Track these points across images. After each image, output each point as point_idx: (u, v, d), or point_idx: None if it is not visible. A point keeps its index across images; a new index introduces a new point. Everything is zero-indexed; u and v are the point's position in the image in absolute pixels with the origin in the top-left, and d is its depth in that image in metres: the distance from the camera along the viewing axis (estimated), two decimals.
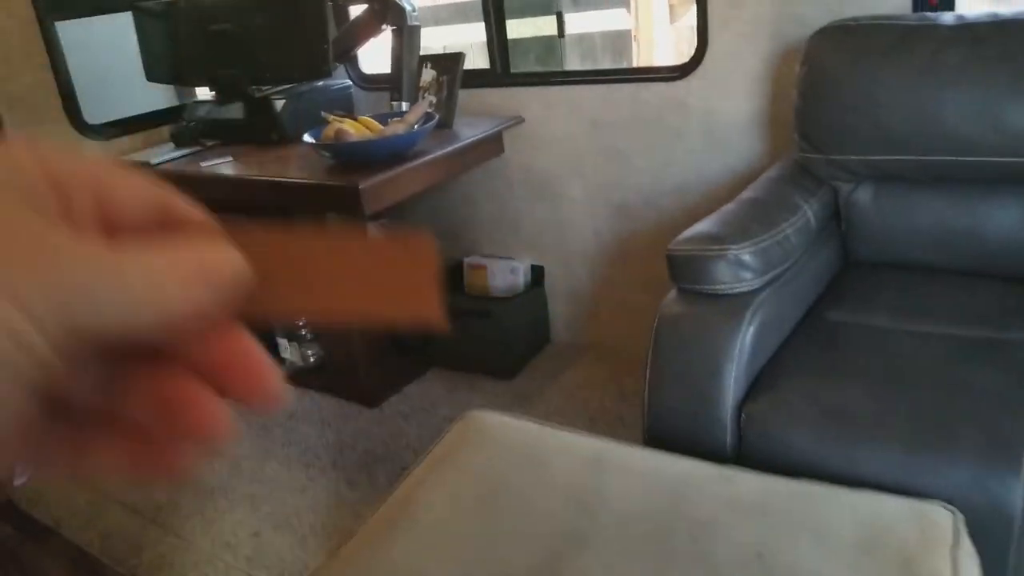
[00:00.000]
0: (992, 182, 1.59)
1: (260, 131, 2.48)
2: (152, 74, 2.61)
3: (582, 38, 3.85)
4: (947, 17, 1.60)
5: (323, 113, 2.14)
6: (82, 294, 0.22)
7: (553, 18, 3.54)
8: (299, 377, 2.76)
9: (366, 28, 2.34)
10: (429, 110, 2.28)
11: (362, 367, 2.60)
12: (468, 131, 2.30)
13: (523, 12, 3.51)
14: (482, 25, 2.49)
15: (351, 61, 2.80)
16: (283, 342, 2.79)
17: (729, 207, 1.61)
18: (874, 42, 1.61)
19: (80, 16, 2.55)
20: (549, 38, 3.52)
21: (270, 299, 0.27)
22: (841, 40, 1.65)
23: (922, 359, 1.36)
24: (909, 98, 1.56)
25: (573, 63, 3.85)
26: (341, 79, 2.73)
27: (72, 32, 2.51)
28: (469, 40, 2.76)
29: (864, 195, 1.72)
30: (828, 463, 1.23)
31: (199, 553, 1.97)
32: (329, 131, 2.03)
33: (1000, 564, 1.15)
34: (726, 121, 2.13)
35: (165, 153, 2.50)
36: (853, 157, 1.66)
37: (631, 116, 2.28)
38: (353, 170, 2.02)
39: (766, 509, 1.14)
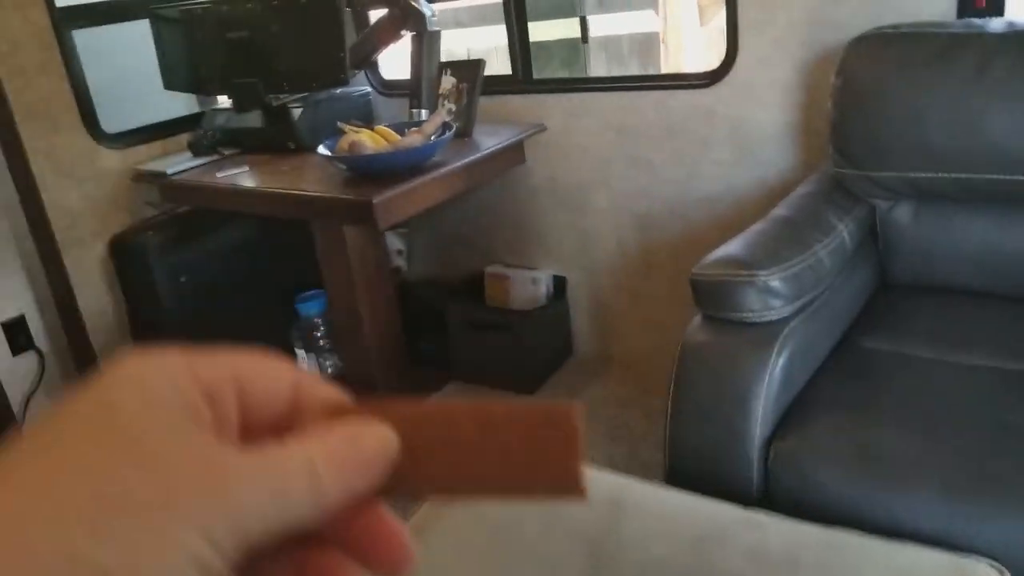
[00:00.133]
0: None
1: (278, 140, 2.44)
2: (170, 82, 2.58)
3: (608, 41, 3.76)
4: (995, 24, 1.50)
5: (338, 123, 2.09)
6: (253, 509, 0.23)
7: (577, 20, 3.47)
8: None
9: (385, 33, 2.28)
10: (448, 119, 2.22)
11: (379, 380, 2.55)
12: (488, 140, 2.23)
13: (547, 15, 3.43)
14: (504, 27, 2.42)
15: (371, 67, 2.74)
16: (301, 353, 2.74)
17: (758, 227, 1.52)
18: (916, 52, 1.51)
19: (97, 24, 2.52)
20: (573, 41, 3.44)
21: (414, 473, 0.27)
22: (880, 49, 1.55)
23: (965, 395, 1.27)
24: (953, 112, 1.46)
25: (598, 67, 3.76)
26: (361, 86, 2.67)
27: (89, 40, 2.48)
28: (493, 43, 2.69)
29: (903, 214, 1.62)
30: (862, 509, 1.15)
31: None
32: (343, 143, 1.98)
33: None
34: (756, 131, 2.04)
35: (182, 163, 2.46)
36: (892, 174, 1.57)
37: (657, 124, 2.20)
38: (368, 182, 1.96)
39: (796, 561, 1.06)
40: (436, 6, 2.29)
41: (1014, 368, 1.32)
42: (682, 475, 1.34)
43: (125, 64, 2.70)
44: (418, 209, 2.20)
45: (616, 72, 3.87)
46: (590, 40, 3.43)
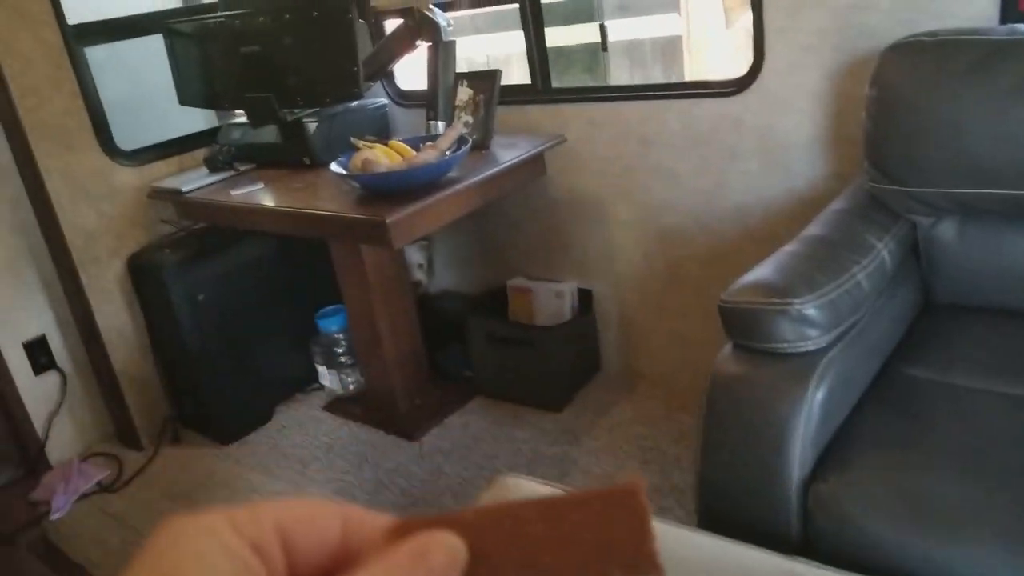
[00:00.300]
0: None
1: (293, 155, 2.39)
2: (184, 97, 2.54)
3: (631, 46, 3.67)
4: None
5: (352, 139, 2.03)
6: None
7: (597, 25, 3.38)
8: (338, 406, 2.67)
9: (400, 44, 2.23)
10: (464, 131, 2.15)
11: (401, 398, 2.50)
12: (506, 153, 2.16)
13: (566, 20, 3.35)
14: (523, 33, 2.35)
15: (387, 78, 2.69)
16: (322, 369, 2.70)
17: (790, 248, 1.44)
18: (956, 60, 1.41)
19: (109, 40, 2.49)
20: (594, 46, 3.35)
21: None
22: (917, 58, 1.46)
23: (1022, 431, 1.18)
24: (998, 124, 1.37)
25: (620, 73, 3.66)
26: (377, 97, 2.62)
27: (102, 57, 2.45)
28: (513, 49, 2.62)
29: (947, 231, 1.53)
30: (911, 560, 1.07)
31: None
32: (356, 160, 1.92)
33: None
34: (786, 140, 1.95)
35: (197, 179, 2.42)
36: (934, 190, 1.47)
37: (682, 134, 2.12)
38: (382, 200, 1.90)
39: None
40: (452, 14, 2.23)
41: None
42: (715, 518, 1.26)
43: (139, 80, 2.67)
44: (434, 226, 2.14)
45: (639, 79, 3.77)
46: (612, 45, 3.34)
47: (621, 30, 3.66)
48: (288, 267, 2.65)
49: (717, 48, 3.51)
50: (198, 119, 2.72)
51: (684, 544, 1.16)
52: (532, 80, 2.37)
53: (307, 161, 2.36)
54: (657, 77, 3.72)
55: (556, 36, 2.45)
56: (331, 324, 2.66)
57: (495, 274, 2.74)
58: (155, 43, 2.50)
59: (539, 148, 2.21)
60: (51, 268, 2.49)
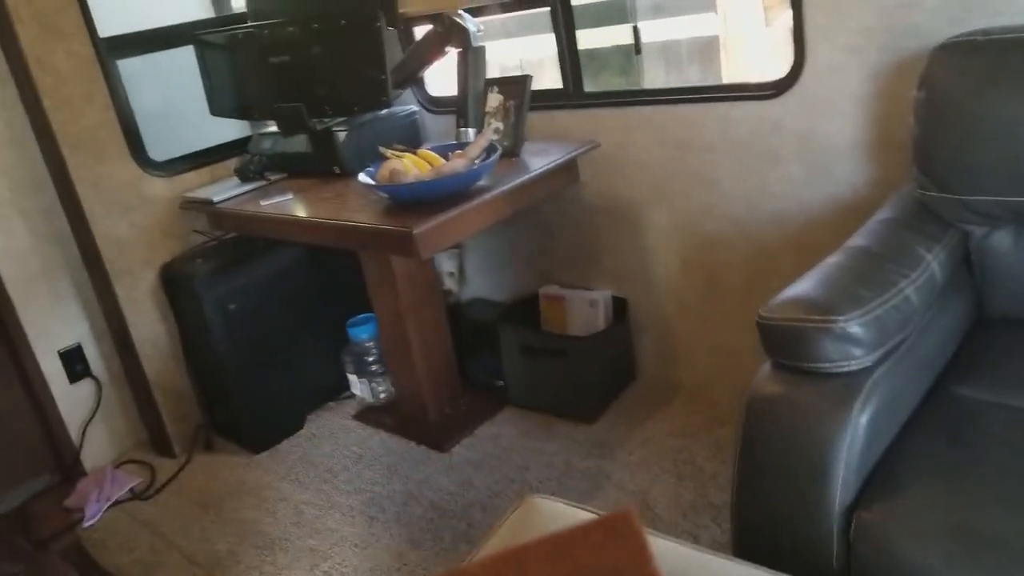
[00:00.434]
0: None
1: (323, 164, 2.37)
2: (215, 108, 2.54)
3: (666, 47, 3.59)
4: None
5: (380, 148, 2.00)
6: None
7: (630, 27, 3.30)
8: (369, 415, 2.65)
9: (430, 50, 2.19)
10: (495, 137, 2.11)
11: (431, 407, 2.46)
12: (537, 160, 2.11)
13: (598, 22, 3.28)
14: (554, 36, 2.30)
15: (417, 84, 2.66)
16: (353, 378, 2.68)
17: (834, 260, 1.37)
18: (1011, 60, 1.33)
19: (141, 52, 2.50)
20: (627, 48, 3.29)
21: None
22: (969, 58, 1.38)
23: None
24: None
25: (656, 75, 3.58)
26: (407, 104, 2.59)
27: (134, 69, 2.46)
28: (546, 53, 2.57)
29: (1003, 241, 1.44)
30: None
31: None
32: (384, 171, 1.89)
33: None
34: (828, 144, 1.87)
35: (228, 190, 2.42)
36: (987, 198, 1.39)
37: (720, 138, 2.05)
38: (409, 210, 1.87)
39: None
40: (482, 19, 2.19)
41: None
42: (752, 544, 1.20)
43: (171, 91, 2.68)
44: (463, 236, 2.10)
45: (674, 81, 3.69)
46: (647, 47, 3.27)
47: (656, 31, 3.58)
48: (319, 276, 2.64)
49: (756, 48, 3.42)
50: (230, 129, 2.72)
51: (717, 573, 1.10)
52: (564, 84, 2.32)
53: (337, 170, 2.34)
54: (693, 79, 3.63)
55: (588, 38, 2.39)
56: (362, 333, 2.64)
57: (527, 282, 2.69)
58: (186, 54, 2.50)
59: (571, 154, 2.16)
60: (86, 278, 2.51)
